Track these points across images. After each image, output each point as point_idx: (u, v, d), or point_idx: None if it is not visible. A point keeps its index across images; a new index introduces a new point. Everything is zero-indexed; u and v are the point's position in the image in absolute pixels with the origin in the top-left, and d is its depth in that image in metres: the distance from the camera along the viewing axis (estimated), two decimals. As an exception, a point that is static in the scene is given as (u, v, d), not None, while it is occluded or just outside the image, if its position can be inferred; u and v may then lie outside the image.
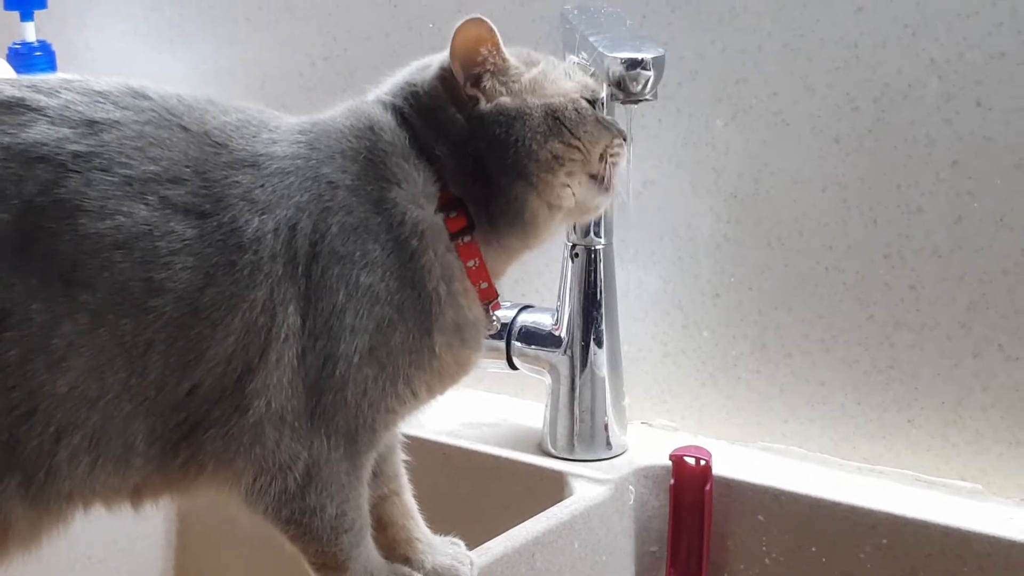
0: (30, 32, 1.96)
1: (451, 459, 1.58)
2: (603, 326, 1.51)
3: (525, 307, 1.57)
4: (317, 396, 1.13)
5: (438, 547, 1.28)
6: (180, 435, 1.11)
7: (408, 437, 1.30)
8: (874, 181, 1.43)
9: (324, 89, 1.82)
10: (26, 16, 1.95)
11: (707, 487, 1.45)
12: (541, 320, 1.54)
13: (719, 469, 1.47)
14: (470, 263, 1.19)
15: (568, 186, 1.20)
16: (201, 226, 1.09)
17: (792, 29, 1.45)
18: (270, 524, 1.16)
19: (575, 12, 1.39)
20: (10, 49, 1.95)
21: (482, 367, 1.50)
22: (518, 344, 1.55)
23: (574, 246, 1.50)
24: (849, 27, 1.42)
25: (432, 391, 1.20)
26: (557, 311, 1.53)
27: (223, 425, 1.11)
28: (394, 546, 1.27)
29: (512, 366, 1.56)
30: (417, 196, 1.16)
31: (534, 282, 1.66)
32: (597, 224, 1.48)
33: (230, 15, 1.92)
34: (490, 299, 1.22)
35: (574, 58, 1.34)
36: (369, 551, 1.20)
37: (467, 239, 1.19)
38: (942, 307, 1.42)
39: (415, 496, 1.29)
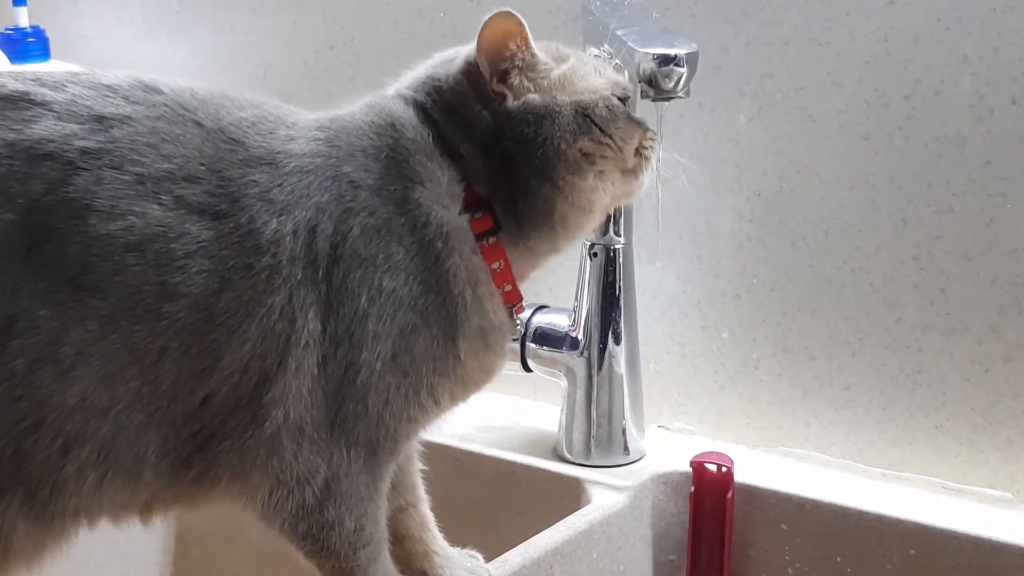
0: (23, 17, 1.92)
1: (463, 464, 1.54)
2: (622, 327, 1.47)
3: (540, 307, 1.53)
4: (338, 406, 1.09)
5: (456, 561, 1.25)
6: (193, 447, 1.07)
7: (420, 441, 1.26)
8: (903, 180, 1.40)
9: (329, 79, 1.77)
10: (19, 1, 1.91)
11: (728, 495, 1.42)
12: (557, 321, 1.50)
13: (740, 476, 1.43)
14: (495, 265, 1.16)
15: (600, 188, 1.16)
16: (217, 227, 1.05)
17: (820, 22, 1.41)
18: (285, 539, 1.13)
19: (598, 3, 1.34)
20: (2, 35, 1.91)
21: None
22: (533, 346, 1.51)
23: (592, 245, 1.46)
24: (879, 21, 1.38)
25: (455, 399, 1.17)
26: (574, 312, 1.49)
27: (239, 436, 1.07)
28: (411, 559, 1.24)
29: (527, 368, 1.52)
30: (441, 196, 1.12)
31: (548, 281, 1.61)
32: (616, 223, 1.44)
33: (231, 1, 1.87)
34: (514, 302, 1.19)
35: (595, 51, 1.30)
36: (386, 566, 1.17)
37: (492, 240, 1.15)
38: (972, 311, 1.38)
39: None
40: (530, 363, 1.51)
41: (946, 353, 1.41)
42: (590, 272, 1.47)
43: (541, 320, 1.51)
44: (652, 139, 1.20)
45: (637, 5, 1.35)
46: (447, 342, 1.12)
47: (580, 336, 1.48)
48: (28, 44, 1.89)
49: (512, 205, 1.15)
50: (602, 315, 1.46)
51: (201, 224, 1.04)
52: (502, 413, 1.66)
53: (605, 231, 1.44)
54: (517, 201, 1.15)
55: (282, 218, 1.07)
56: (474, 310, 1.14)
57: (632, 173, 1.19)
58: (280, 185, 1.08)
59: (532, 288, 1.57)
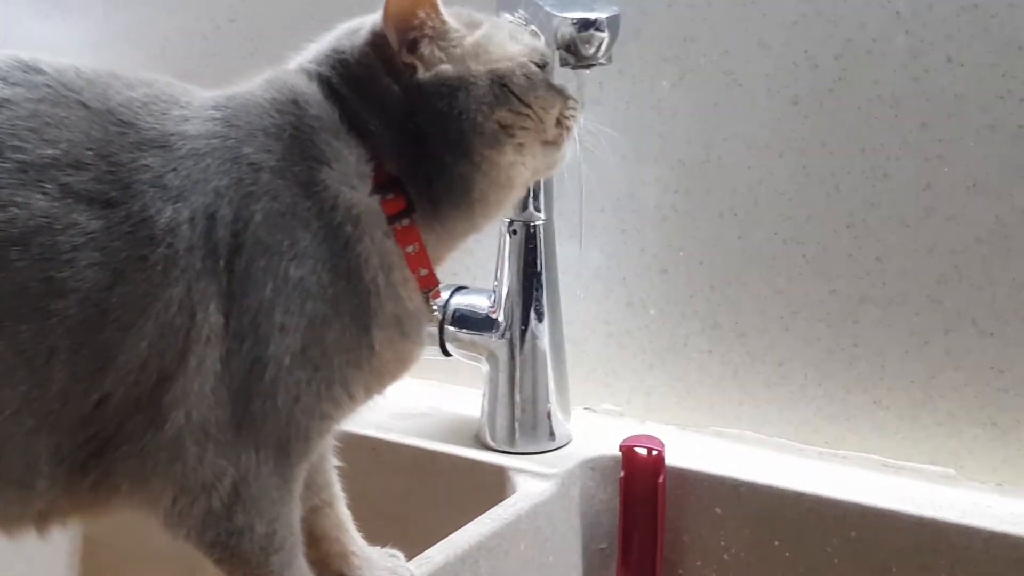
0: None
1: (381, 455, 1.47)
2: (544, 307, 1.40)
3: (458, 288, 1.46)
4: (244, 404, 1.02)
5: (375, 561, 1.19)
6: (89, 452, 1.00)
7: (333, 436, 1.20)
8: (836, 145, 1.35)
9: (229, 55, 1.70)
10: None
11: (660, 479, 1.36)
12: (476, 302, 1.43)
13: (671, 459, 1.37)
14: (409, 249, 1.10)
15: (519, 162, 1.10)
16: (107, 217, 0.98)
17: (744, -20, 1.36)
18: (193, 547, 1.06)
19: (511, -36, 1.27)
20: None
21: None
22: (452, 329, 1.44)
23: (511, 222, 1.39)
24: (807, -23, 1.33)
25: (370, 391, 1.11)
26: (494, 292, 1.42)
27: (138, 440, 1.01)
28: (328, 562, 1.18)
29: (445, 352, 1.45)
30: (350, 176, 1.06)
31: (466, 261, 1.55)
32: (536, 198, 1.38)
33: (123, -27, 1.79)
34: (430, 287, 1.13)
35: (509, 17, 1.24)
36: (301, 570, 1.10)
37: (405, 222, 1.09)
38: (910, 280, 1.34)
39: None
40: (449, 347, 1.45)
41: (883, 325, 1.36)
42: (509, 250, 1.40)
43: (460, 302, 1.44)
44: (574, 108, 1.14)
45: (553, -35, 1.28)
46: (360, 332, 1.06)
47: (501, 318, 1.41)
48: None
49: (426, 184, 1.09)
50: (523, 295, 1.40)
51: (90, 214, 0.97)
52: (420, 399, 1.60)
53: (524, 207, 1.38)
54: (432, 179, 1.09)
55: (178, 205, 1.00)
56: (388, 297, 1.07)
57: (553, 144, 1.13)
58: (175, 169, 1.00)
59: (450, 268, 1.51)
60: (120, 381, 0.98)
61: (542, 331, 1.40)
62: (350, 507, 1.20)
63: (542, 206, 1.38)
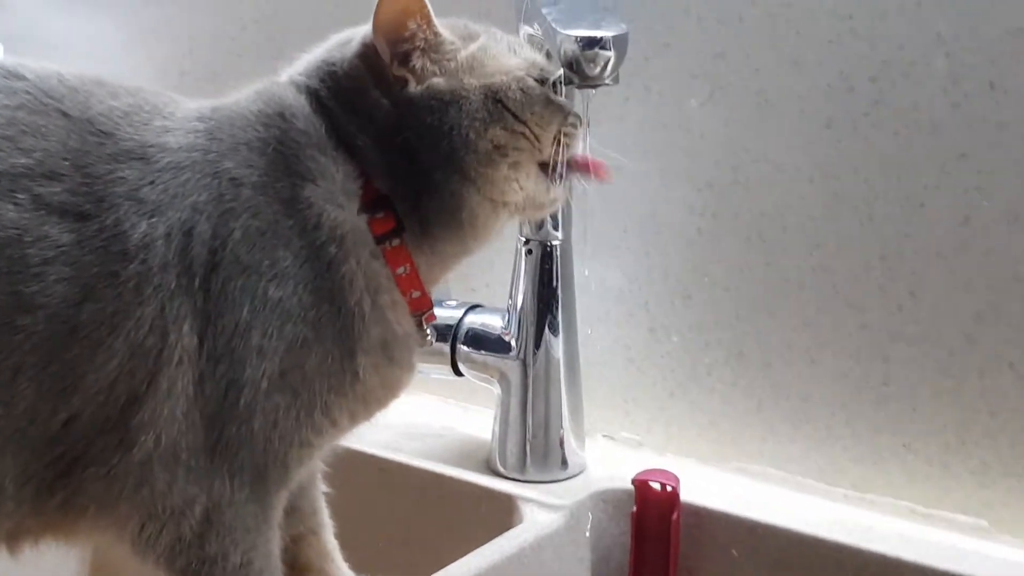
0: (-73, -12, 1.78)
1: (389, 475, 1.42)
2: (560, 329, 1.34)
3: (473, 307, 1.40)
4: (218, 429, 0.99)
5: None
6: (56, 473, 0.98)
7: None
8: (870, 172, 1.28)
9: (255, 55, 1.66)
10: (-78, -31, 1.77)
11: (674, 516, 1.30)
12: (491, 322, 1.38)
13: (688, 494, 1.31)
14: (399, 270, 1.06)
15: (514, 180, 1.05)
16: (80, 230, 0.95)
17: (778, -4, 1.30)
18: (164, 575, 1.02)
19: (531, -27, 1.21)
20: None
21: (424, 373, 1.37)
22: (464, 348, 1.38)
23: (528, 241, 1.33)
24: (844, -6, 1.27)
25: (355, 418, 1.08)
26: (508, 312, 1.36)
27: (105, 463, 0.98)
28: None
29: (457, 372, 1.39)
30: (335, 194, 1.01)
31: (484, 276, 1.50)
32: (554, 217, 1.32)
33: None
34: (423, 310, 1.09)
35: (529, 30, 1.18)
36: (281, 602, 1.06)
37: (395, 242, 1.05)
38: (945, 317, 1.26)
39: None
40: (461, 367, 1.39)
41: (915, 364, 1.29)
42: (525, 270, 1.34)
43: (474, 320, 1.38)
44: (574, 126, 1.08)
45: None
46: (344, 357, 1.02)
47: (513, 339, 1.35)
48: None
49: (415, 203, 1.05)
50: (537, 317, 1.34)
51: (62, 227, 0.94)
52: (435, 419, 1.55)
53: (541, 226, 1.32)
54: (421, 198, 1.05)
55: (153, 220, 0.96)
56: (374, 321, 1.03)
57: (549, 169, 1.08)
58: (152, 183, 0.97)
59: (468, 284, 1.47)
60: (88, 401, 0.95)
61: (556, 355, 1.34)
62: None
63: (560, 225, 1.32)
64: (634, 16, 1.33)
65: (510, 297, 1.36)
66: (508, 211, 1.08)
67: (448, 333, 1.38)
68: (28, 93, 0.97)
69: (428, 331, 1.10)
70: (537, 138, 1.06)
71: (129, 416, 0.96)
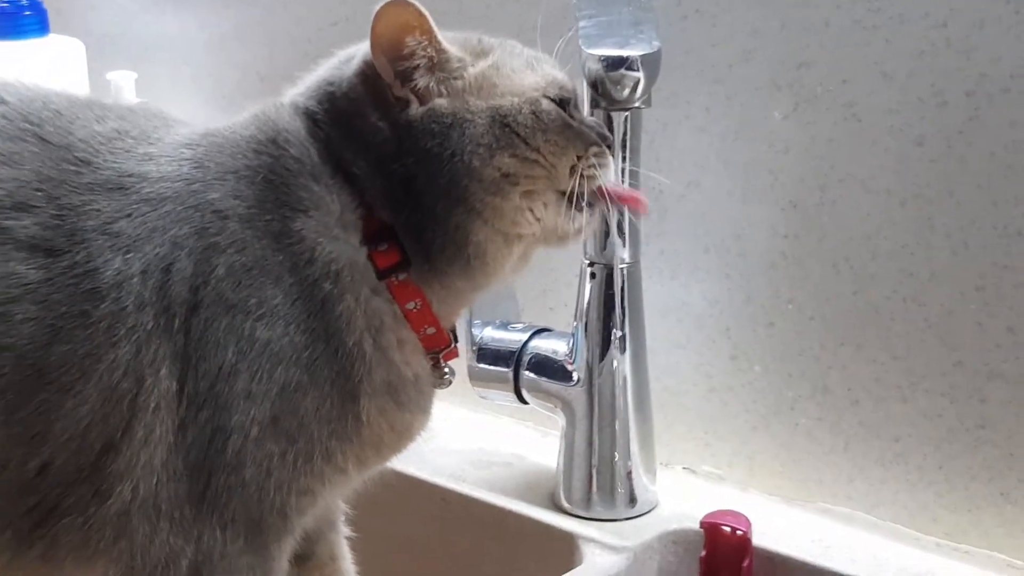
0: (18, -12, 1.75)
1: (451, 506, 1.35)
2: (627, 358, 1.24)
3: (540, 330, 1.32)
4: (205, 479, 0.93)
5: None
6: (32, 523, 0.93)
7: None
8: (964, 195, 1.17)
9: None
10: (13, -30, 1.74)
11: (745, 563, 1.20)
12: (557, 347, 1.29)
13: (764, 539, 1.22)
14: (409, 305, 0.98)
15: (528, 210, 0.96)
16: (49, 267, 0.90)
17: (866, 2, 1.18)
18: None
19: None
20: (-5, 7, 1.74)
21: (489, 398, 1.28)
22: (529, 375, 1.30)
23: (592, 263, 1.23)
24: (937, 1, 1.15)
25: (365, 464, 1.01)
26: (573, 337, 1.27)
27: (80, 513, 0.93)
28: None
29: (522, 400, 1.31)
30: (331, 226, 0.94)
31: (562, 294, 1.40)
32: (621, 235, 1.22)
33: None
34: (440, 347, 1.01)
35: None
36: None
37: (402, 276, 0.97)
38: (1047, 357, 1.15)
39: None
40: (526, 395, 1.31)
41: (1015, 405, 1.18)
42: (589, 294, 1.25)
43: (539, 345, 1.30)
44: (599, 155, 0.98)
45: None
46: (344, 401, 0.95)
47: (576, 367, 1.26)
48: (24, 18, 1.72)
49: (418, 235, 0.97)
50: (602, 344, 1.24)
51: (30, 263, 0.89)
52: (504, 444, 1.46)
53: (604, 246, 1.22)
54: (423, 230, 0.97)
55: (128, 256, 0.91)
56: (377, 362, 0.96)
57: (570, 197, 0.98)
58: (128, 215, 0.92)
59: (538, 303, 1.38)
60: (60, 448, 0.90)
61: (622, 384, 1.25)
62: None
63: (627, 244, 1.23)
64: (714, 21, 1.24)
65: (575, 318, 1.27)
66: (524, 243, 0.99)
67: (511, 359, 1.29)
68: (5, 118, 0.92)
69: (447, 370, 1.02)
70: (553, 166, 0.97)
71: (104, 465, 0.91)
